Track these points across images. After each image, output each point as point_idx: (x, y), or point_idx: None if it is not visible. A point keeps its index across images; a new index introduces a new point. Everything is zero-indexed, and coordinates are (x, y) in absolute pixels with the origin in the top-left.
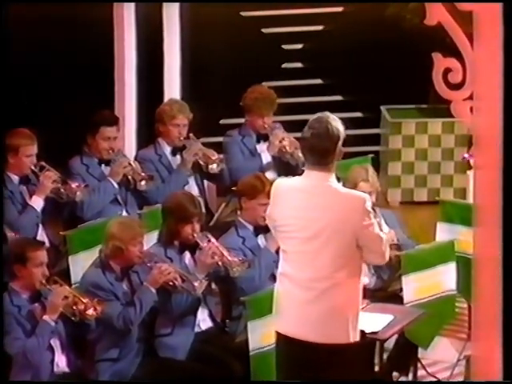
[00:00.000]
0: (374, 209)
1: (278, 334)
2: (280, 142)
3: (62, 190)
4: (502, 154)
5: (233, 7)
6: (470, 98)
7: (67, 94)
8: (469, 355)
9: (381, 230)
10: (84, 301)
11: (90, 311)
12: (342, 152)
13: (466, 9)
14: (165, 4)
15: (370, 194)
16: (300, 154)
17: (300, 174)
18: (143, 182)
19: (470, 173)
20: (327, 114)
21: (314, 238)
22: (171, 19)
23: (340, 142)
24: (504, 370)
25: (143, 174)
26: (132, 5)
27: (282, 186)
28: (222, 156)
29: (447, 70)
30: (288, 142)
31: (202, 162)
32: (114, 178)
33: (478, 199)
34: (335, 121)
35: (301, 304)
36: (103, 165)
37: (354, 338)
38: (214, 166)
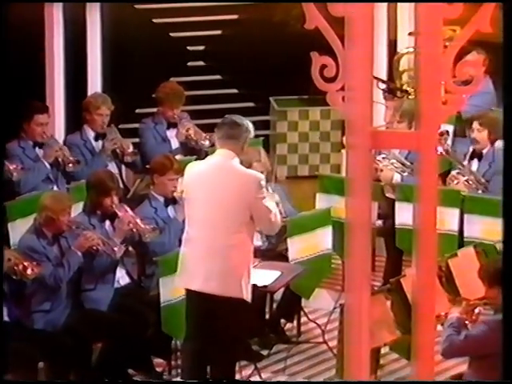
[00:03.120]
0: (267, 188)
1: (186, 290)
2: (186, 131)
3: None
4: (504, 149)
5: (146, 15)
6: (342, 89)
7: (4, 89)
8: (343, 304)
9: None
10: (25, 263)
11: (29, 271)
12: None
13: (338, 14)
14: (88, 9)
15: (262, 173)
16: (202, 142)
17: (203, 158)
18: (71, 165)
19: (343, 151)
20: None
21: (216, 207)
22: (93, 23)
23: (247, 135)
24: (504, 369)
25: (71, 159)
26: (60, 6)
27: (193, 167)
28: (136, 150)
29: (323, 67)
30: (193, 131)
31: (118, 151)
32: (46, 160)
33: (349, 173)
34: (247, 120)
35: (204, 262)
36: (37, 147)
37: (247, 292)
38: (128, 158)
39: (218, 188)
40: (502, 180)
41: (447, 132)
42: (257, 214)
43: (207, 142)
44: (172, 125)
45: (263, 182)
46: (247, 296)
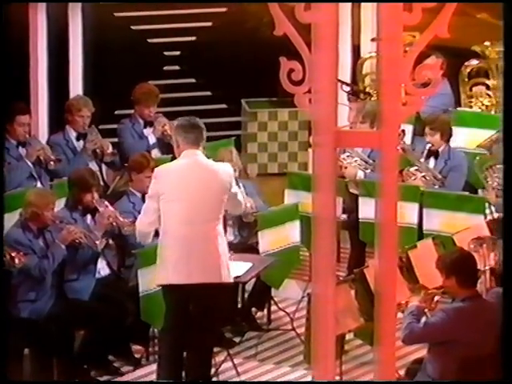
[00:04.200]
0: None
1: (165, 285)
2: (162, 127)
3: None
4: (504, 149)
5: (125, 22)
6: (309, 91)
7: None
8: (310, 293)
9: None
10: (12, 254)
11: (16, 261)
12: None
13: (305, 21)
14: (70, 15)
15: (235, 171)
16: None
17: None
18: (52, 163)
19: (310, 150)
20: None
21: (197, 202)
22: (75, 29)
23: (205, 135)
24: (504, 369)
25: (52, 157)
26: (44, 10)
27: (166, 168)
28: (114, 150)
29: (291, 70)
30: (169, 127)
31: (98, 151)
32: (29, 159)
33: (315, 170)
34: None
35: (189, 256)
36: (20, 147)
37: (227, 277)
38: (108, 158)
39: (197, 184)
40: (457, 176)
41: (403, 131)
42: (232, 201)
43: None
44: (148, 123)
45: (233, 173)
46: (230, 279)
